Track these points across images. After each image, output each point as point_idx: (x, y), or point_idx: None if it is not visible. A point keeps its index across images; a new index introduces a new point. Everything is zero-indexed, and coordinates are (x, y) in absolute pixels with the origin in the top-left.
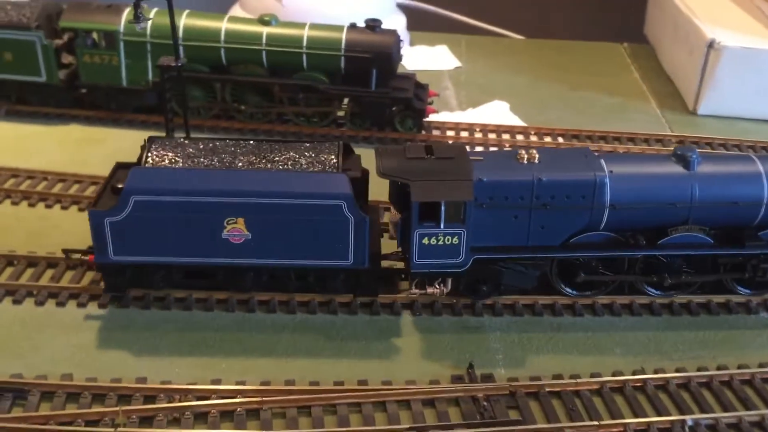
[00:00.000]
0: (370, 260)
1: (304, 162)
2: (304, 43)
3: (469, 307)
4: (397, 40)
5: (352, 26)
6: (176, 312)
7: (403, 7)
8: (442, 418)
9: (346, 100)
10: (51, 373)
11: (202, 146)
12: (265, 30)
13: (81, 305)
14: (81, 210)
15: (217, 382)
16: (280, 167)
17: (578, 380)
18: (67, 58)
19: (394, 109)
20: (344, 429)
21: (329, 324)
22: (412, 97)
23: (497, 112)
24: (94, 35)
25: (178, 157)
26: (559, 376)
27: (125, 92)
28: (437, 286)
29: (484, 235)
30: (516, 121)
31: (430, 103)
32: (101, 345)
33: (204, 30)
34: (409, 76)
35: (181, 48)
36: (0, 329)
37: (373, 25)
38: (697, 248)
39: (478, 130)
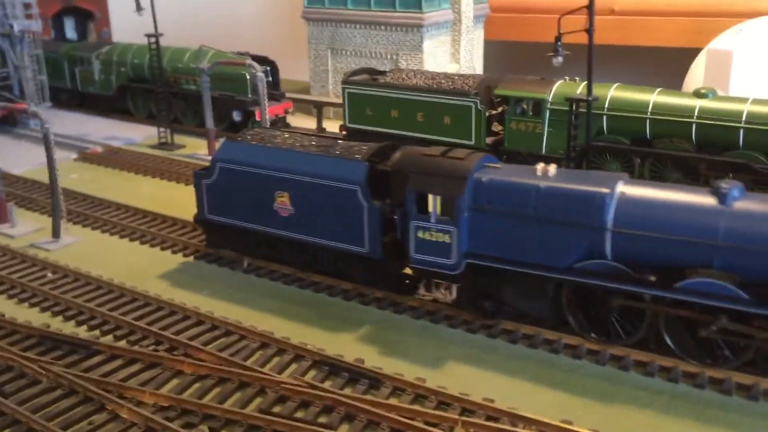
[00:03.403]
0: (384, 252)
1: (340, 151)
2: (743, 118)
3: None
4: None
5: None
6: (541, 352)
7: None
8: None
9: None
10: (409, 371)
11: (287, 135)
12: (698, 103)
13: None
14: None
15: (568, 422)
16: (322, 152)
17: None
18: (497, 127)
19: None
20: None
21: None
22: None
23: None
24: (524, 104)
25: (265, 138)
26: None
27: (543, 159)
28: (442, 292)
29: (483, 242)
30: None
31: None
32: (455, 359)
33: (630, 101)
34: None
35: (604, 118)
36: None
37: None
38: (718, 300)
39: None
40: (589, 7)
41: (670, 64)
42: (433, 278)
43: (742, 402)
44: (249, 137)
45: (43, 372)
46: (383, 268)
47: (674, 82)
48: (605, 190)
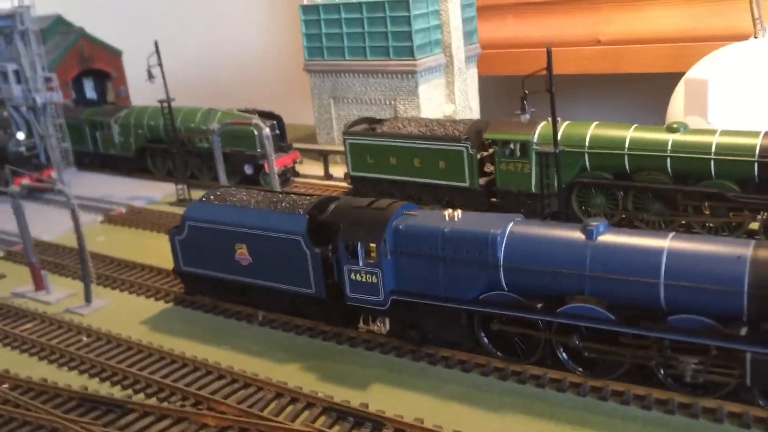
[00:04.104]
0: (327, 292)
1: (287, 205)
2: (713, 149)
3: None
4: None
5: None
6: (529, 387)
7: None
8: None
9: (764, 214)
10: (409, 412)
11: (244, 193)
12: (671, 137)
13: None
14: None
15: None
16: (273, 207)
17: None
18: (489, 168)
19: None
20: None
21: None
22: None
23: None
24: (512, 145)
25: (226, 197)
26: None
27: (533, 197)
28: (378, 324)
29: (405, 280)
30: None
31: None
32: (451, 397)
33: (609, 138)
34: None
35: (586, 155)
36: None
37: None
38: (588, 321)
39: None
40: (548, 69)
41: (656, 90)
42: (367, 313)
43: (708, 424)
44: (212, 197)
45: None
46: (329, 306)
47: (661, 107)
48: (496, 231)
